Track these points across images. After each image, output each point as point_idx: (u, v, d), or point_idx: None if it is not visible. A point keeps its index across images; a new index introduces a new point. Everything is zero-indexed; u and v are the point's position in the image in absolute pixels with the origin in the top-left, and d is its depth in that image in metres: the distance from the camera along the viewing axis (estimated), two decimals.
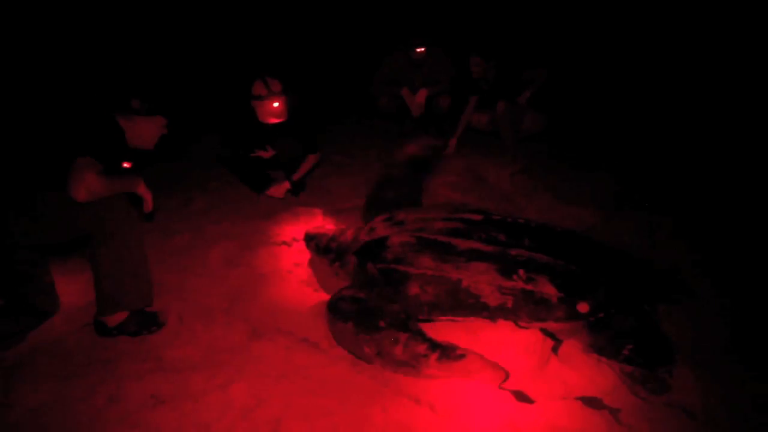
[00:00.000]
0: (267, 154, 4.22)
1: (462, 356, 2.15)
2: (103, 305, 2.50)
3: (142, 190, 2.60)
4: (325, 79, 8.17)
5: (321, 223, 3.71)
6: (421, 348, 2.19)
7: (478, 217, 2.60)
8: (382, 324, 2.30)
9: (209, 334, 2.56)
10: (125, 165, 2.70)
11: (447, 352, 2.17)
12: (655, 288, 2.49)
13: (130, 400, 2.15)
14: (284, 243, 3.46)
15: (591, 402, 2.06)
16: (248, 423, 2.02)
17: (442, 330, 2.42)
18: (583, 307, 2.22)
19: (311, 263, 3.19)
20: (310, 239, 3.16)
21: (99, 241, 2.40)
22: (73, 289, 2.88)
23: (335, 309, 2.44)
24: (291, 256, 3.32)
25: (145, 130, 2.66)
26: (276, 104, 3.82)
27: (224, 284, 3.01)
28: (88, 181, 2.25)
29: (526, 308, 2.26)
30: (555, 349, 2.30)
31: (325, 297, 2.78)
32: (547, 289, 2.25)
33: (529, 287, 2.26)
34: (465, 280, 2.33)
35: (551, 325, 2.29)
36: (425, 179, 4.52)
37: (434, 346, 2.20)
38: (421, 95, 5.48)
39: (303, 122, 4.13)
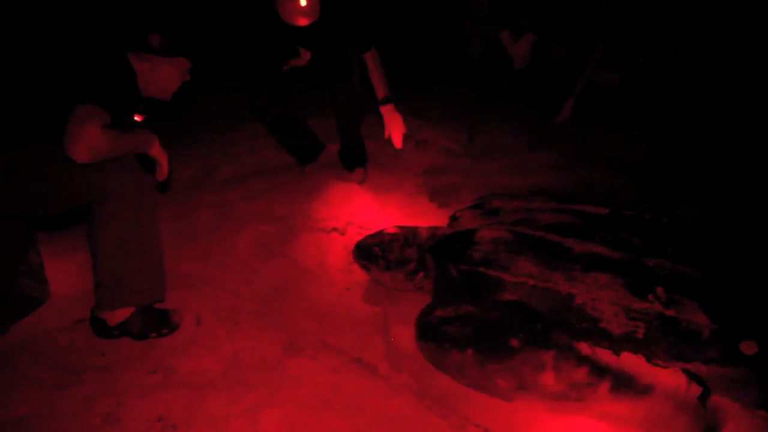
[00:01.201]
0: (302, 60, 4.03)
1: (649, 389, 2.09)
2: (103, 298, 2.57)
3: (157, 152, 2.62)
4: (395, 14, 8.14)
5: (391, 213, 3.70)
6: (581, 373, 2.15)
7: (603, 211, 2.54)
8: (515, 343, 2.26)
9: (234, 343, 2.61)
10: (137, 118, 2.77)
11: (623, 380, 2.12)
12: None
13: (133, 421, 2.20)
14: (335, 230, 3.50)
15: None
16: None
17: None
18: (749, 348, 2.12)
19: (378, 279, 3.05)
20: (370, 251, 2.95)
21: (101, 215, 2.44)
22: (65, 274, 3.00)
23: (439, 335, 2.39)
24: (344, 248, 3.36)
25: (163, 75, 2.69)
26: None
27: (256, 279, 3.07)
28: (90, 137, 2.26)
29: (663, 342, 2.17)
30: (704, 400, 2.21)
31: (383, 309, 2.83)
32: (697, 317, 2.15)
33: (670, 313, 2.17)
34: (580, 295, 2.27)
35: (699, 368, 2.20)
36: (524, 151, 4.48)
37: (599, 370, 2.15)
38: (526, 41, 5.37)
39: (345, 15, 3.90)
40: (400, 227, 3.06)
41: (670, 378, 2.28)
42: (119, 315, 2.59)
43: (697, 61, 5.11)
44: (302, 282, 3.05)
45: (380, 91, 3.95)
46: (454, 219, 2.76)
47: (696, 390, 2.21)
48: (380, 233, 3.03)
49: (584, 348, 2.21)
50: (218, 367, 2.47)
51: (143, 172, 2.52)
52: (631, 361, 2.20)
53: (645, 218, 2.51)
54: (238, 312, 2.81)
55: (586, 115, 5.25)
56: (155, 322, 2.65)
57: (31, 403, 2.28)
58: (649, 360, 2.26)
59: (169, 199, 3.75)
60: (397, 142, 3.99)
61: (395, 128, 3.96)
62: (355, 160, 4.20)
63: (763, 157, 4.36)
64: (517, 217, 2.58)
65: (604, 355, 2.21)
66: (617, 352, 2.23)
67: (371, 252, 2.93)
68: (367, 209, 3.62)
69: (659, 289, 2.22)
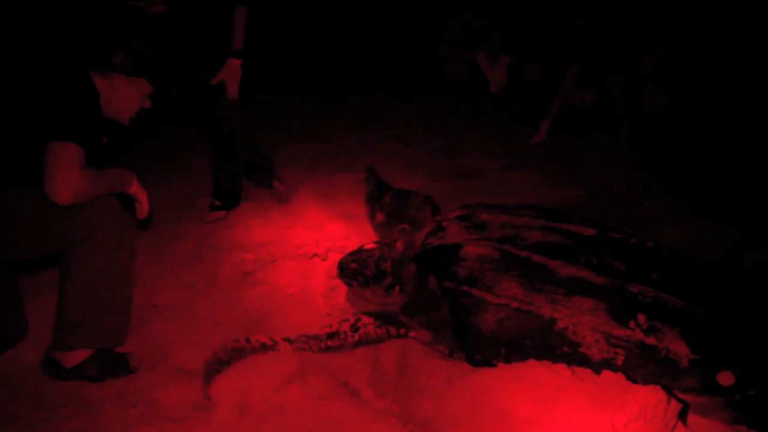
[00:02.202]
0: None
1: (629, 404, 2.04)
2: (64, 337, 2.47)
3: (136, 189, 2.56)
4: (372, 39, 8.19)
5: (371, 236, 3.66)
6: None
7: (589, 232, 2.52)
8: None
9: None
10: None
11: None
12: None
13: None
14: (316, 255, 3.49)
15: None
16: None
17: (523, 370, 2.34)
18: (725, 378, 2.12)
19: (360, 296, 3.07)
20: (348, 268, 2.97)
21: (78, 253, 2.37)
22: (44, 309, 2.92)
23: None
24: (325, 273, 3.32)
25: (123, 96, 2.57)
26: None
27: (238, 308, 3.05)
28: (71, 179, 2.20)
29: (642, 369, 2.16)
30: (683, 416, 2.21)
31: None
32: (677, 346, 2.15)
33: (650, 341, 2.17)
34: (562, 320, 2.26)
35: (677, 396, 2.21)
36: (501, 173, 4.51)
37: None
38: (502, 64, 5.41)
39: None
40: (378, 242, 3.08)
41: (650, 394, 2.28)
42: (77, 357, 2.50)
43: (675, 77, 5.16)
44: (285, 309, 3.03)
45: (237, 43, 3.77)
46: (440, 229, 2.73)
47: (676, 406, 2.21)
48: (359, 250, 3.04)
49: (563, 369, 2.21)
50: (201, 399, 2.43)
51: (124, 211, 2.48)
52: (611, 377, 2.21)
53: (631, 243, 2.50)
54: (223, 341, 2.77)
55: (564, 133, 5.30)
56: (112, 366, 2.56)
57: None
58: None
59: (151, 227, 3.72)
60: (233, 90, 3.82)
61: (233, 79, 3.79)
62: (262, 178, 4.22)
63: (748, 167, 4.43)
64: (504, 233, 2.56)
65: (584, 374, 2.20)
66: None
67: (350, 269, 2.95)
68: (347, 234, 3.60)
69: (641, 317, 2.21)
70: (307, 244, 3.58)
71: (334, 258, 3.39)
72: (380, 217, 3.57)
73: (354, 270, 2.94)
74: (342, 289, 3.19)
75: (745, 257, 3.34)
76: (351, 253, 3.05)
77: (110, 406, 2.40)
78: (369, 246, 3.06)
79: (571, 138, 5.29)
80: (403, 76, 7.23)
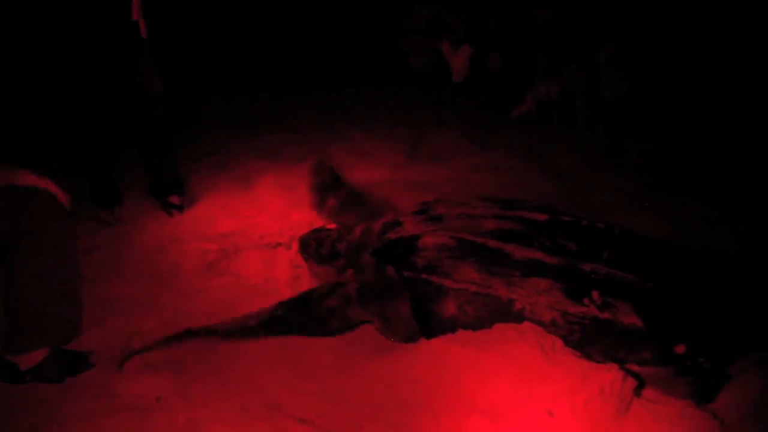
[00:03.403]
0: None
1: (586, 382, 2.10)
2: (16, 339, 2.41)
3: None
4: (336, 29, 8.16)
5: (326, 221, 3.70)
6: None
7: (542, 217, 2.57)
8: None
9: (183, 364, 2.55)
10: None
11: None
12: None
13: None
14: (280, 245, 3.49)
15: None
16: None
17: (479, 358, 2.35)
18: (678, 348, 2.17)
19: (315, 274, 3.17)
20: (308, 245, 3.10)
21: (19, 253, 2.30)
22: None
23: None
24: (289, 262, 3.34)
25: None
26: None
27: (202, 299, 3.03)
28: None
29: (598, 344, 2.21)
30: (639, 392, 2.25)
31: None
32: (630, 319, 2.20)
33: (605, 316, 2.22)
34: (519, 300, 2.30)
35: (633, 368, 2.25)
36: (464, 161, 4.54)
37: None
38: (463, 54, 5.42)
39: None
40: (339, 224, 3.18)
41: (607, 372, 2.32)
42: (32, 358, 2.44)
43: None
44: (249, 299, 3.01)
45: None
46: (397, 224, 2.76)
47: (632, 383, 2.26)
48: (321, 228, 3.16)
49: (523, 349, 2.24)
50: (164, 389, 2.41)
51: (62, 205, 2.42)
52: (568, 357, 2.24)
53: (582, 224, 2.55)
54: None
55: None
56: (71, 364, 2.52)
57: None
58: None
59: (113, 220, 3.70)
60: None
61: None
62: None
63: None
64: (460, 223, 2.59)
65: (543, 354, 2.23)
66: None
67: (309, 245, 3.06)
68: (311, 222, 3.58)
69: (595, 293, 2.26)
70: (271, 233, 3.57)
71: (298, 247, 3.39)
72: (332, 201, 3.62)
73: (312, 247, 3.05)
74: (306, 278, 3.20)
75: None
76: (313, 230, 3.17)
77: (70, 400, 2.36)
78: (330, 227, 3.16)
79: (537, 127, 5.33)
80: (366, 68, 7.21)
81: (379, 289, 2.61)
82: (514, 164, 4.62)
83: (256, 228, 3.63)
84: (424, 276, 2.47)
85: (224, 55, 7.04)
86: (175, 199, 3.91)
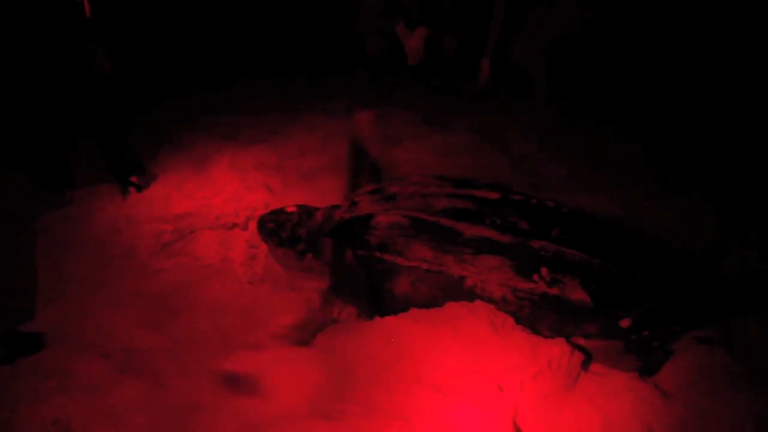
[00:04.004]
0: None
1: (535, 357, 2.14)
2: None
3: None
4: (294, 12, 8.09)
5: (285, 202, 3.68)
6: None
7: (493, 195, 2.58)
8: None
9: (133, 342, 2.57)
10: None
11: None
12: (723, 297, 2.49)
13: (27, 427, 2.14)
14: (236, 225, 3.48)
15: None
16: None
17: (432, 335, 2.38)
18: (623, 322, 2.22)
19: (274, 255, 3.15)
20: (266, 227, 3.01)
21: None
22: None
23: None
24: (245, 242, 3.33)
25: None
26: None
27: (157, 279, 3.02)
28: None
29: (547, 319, 2.26)
30: (586, 365, 2.31)
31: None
32: (578, 294, 2.25)
33: (553, 291, 2.26)
34: (470, 278, 2.34)
35: (580, 342, 2.30)
36: (422, 139, 4.54)
37: None
38: (418, 36, 5.35)
39: None
40: (299, 206, 3.07)
41: (555, 346, 2.37)
42: None
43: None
44: (205, 279, 3.02)
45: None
46: (353, 204, 2.77)
47: (579, 357, 2.31)
48: (280, 210, 3.06)
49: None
50: (114, 366, 2.42)
51: (15, 188, 2.40)
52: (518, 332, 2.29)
53: (532, 203, 2.58)
54: (140, 312, 2.75)
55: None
56: (23, 345, 2.53)
57: None
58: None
59: (65, 202, 3.63)
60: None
61: None
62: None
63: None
64: (413, 202, 2.61)
65: (492, 330, 2.27)
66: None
67: (267, 228, 2.99)
68: (267, 203, 3.56)
69: (543, 270, 2.30)
70: (227, 214, 3.53)
71: (254, 227, 3.38)
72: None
73: (270, 229, 2.99)
74: (262, 258, 3.20)
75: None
76: (272, 212, 3.08)
77: (21, 381, 2.36)
78: (290, 209, 3.06)
79: (494, 106, 5.32)
80: (324, 52, 7.17)
81: (343, 275, 2.62)
82: (470, 145, 4.62)
83: (212, 209, 3.59)
84: (378, 254, 2.50)
85: (181, 40, 6.90)
86: (134, 179, 3.85)
